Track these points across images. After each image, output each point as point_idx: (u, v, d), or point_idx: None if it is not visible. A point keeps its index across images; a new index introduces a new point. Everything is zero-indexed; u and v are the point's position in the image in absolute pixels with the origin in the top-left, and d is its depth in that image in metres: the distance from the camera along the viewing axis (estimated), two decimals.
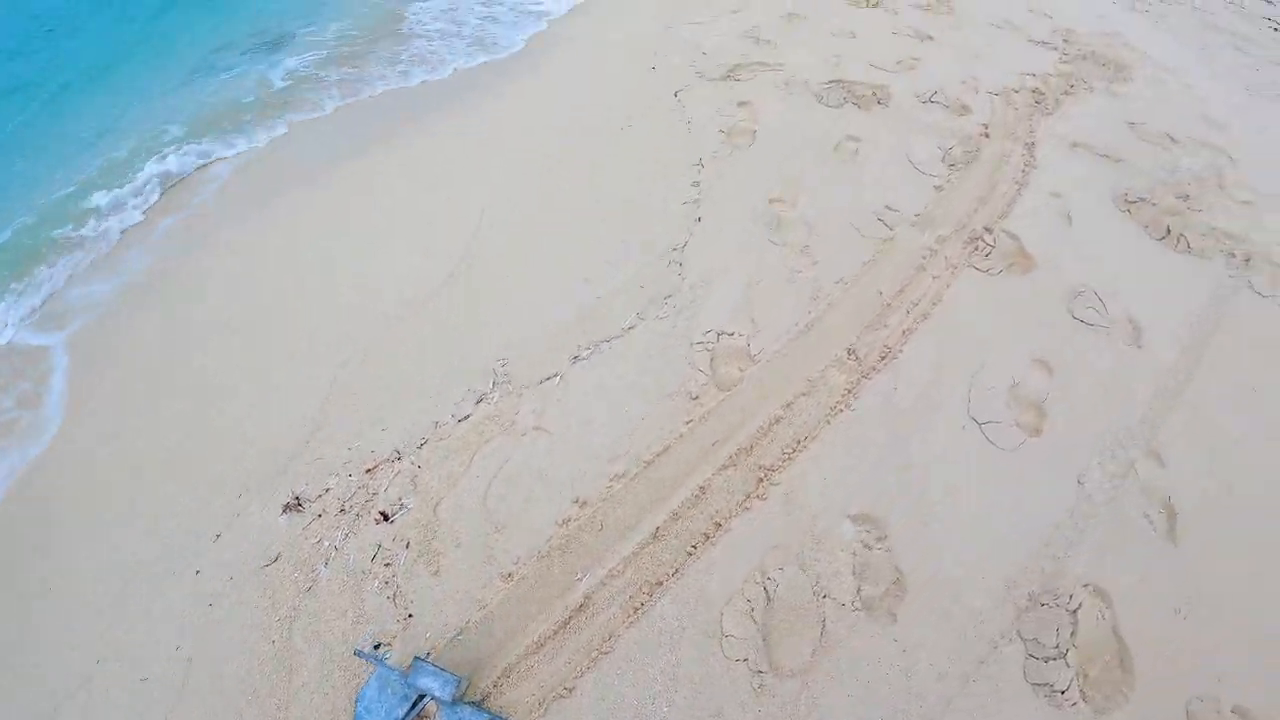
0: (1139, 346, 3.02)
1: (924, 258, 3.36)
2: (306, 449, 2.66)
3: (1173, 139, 4.33)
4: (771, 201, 3.73)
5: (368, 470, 2.56)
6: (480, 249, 3.48)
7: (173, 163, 4.17)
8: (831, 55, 4.97)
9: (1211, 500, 2.49)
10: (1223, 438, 2.70)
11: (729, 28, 5.63)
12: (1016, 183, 3.81)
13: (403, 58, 5.33)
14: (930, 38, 5.36)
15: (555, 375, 2.86)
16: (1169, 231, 3.56)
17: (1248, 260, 3.50)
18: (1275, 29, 7.16)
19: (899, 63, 4.87)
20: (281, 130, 4.52)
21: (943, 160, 3.92)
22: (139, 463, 2.70)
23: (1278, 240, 3.64)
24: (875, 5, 5.99)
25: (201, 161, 4.22)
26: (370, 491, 2.51)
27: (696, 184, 3.93)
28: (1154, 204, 3.69)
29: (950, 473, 2.53)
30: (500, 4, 6.30)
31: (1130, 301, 3.19)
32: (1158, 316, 3.15)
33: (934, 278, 3.27)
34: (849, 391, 2.78)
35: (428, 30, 5.78)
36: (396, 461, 2.59)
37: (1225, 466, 2.60)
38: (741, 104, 4.49)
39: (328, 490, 2.53)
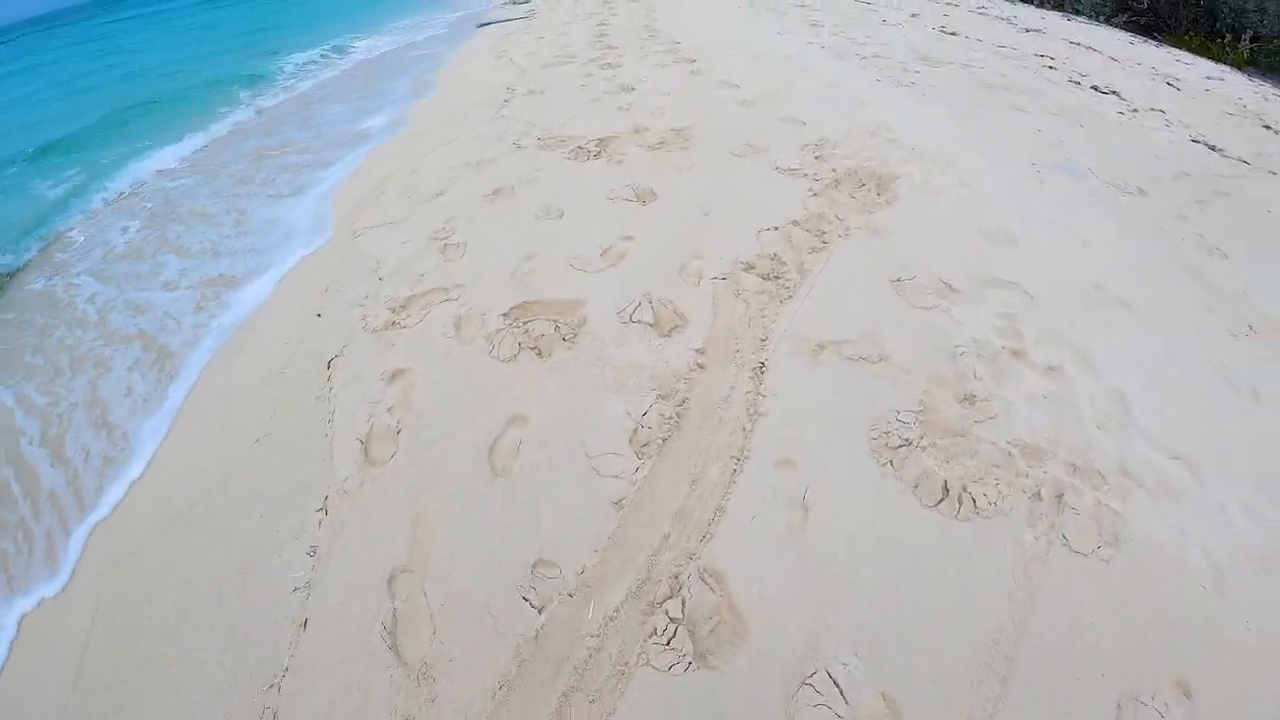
0: None
1: (583, 661, 2.05)
2: None
3: (951, 288, 3.27)
4: (393, 578, 2.40)
5: None
6: None
7: None
8: (525, 257, 3.82)
9: None
10: None
11: (420, 226, 4.48)
12: (733, 459, 2.61)
13: None
14: (653, 195, 4.31)
15: None
16: (946, 491, 2.38)
17: (1059, 497, 2.34)
18: (1050, 67, 6.53)
19: (605, 254, 3.75)
20: None
21: (632, 442, 2.70)
22: None
23: (1090, 443, 2.51)
24: (597, 155, 4.97)
25: None
26: None
27: (312, 551, 2.59)
28: (926, 443, 2.53)
29: None
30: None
31: (889, 668, 1.94)
32: (922, 690, 1.89)
33: (591, 701, 1.95)
34: None
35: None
36: None
37: None
38: (395, 375, 3.23)
39: None
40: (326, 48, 11.86)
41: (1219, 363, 3.02)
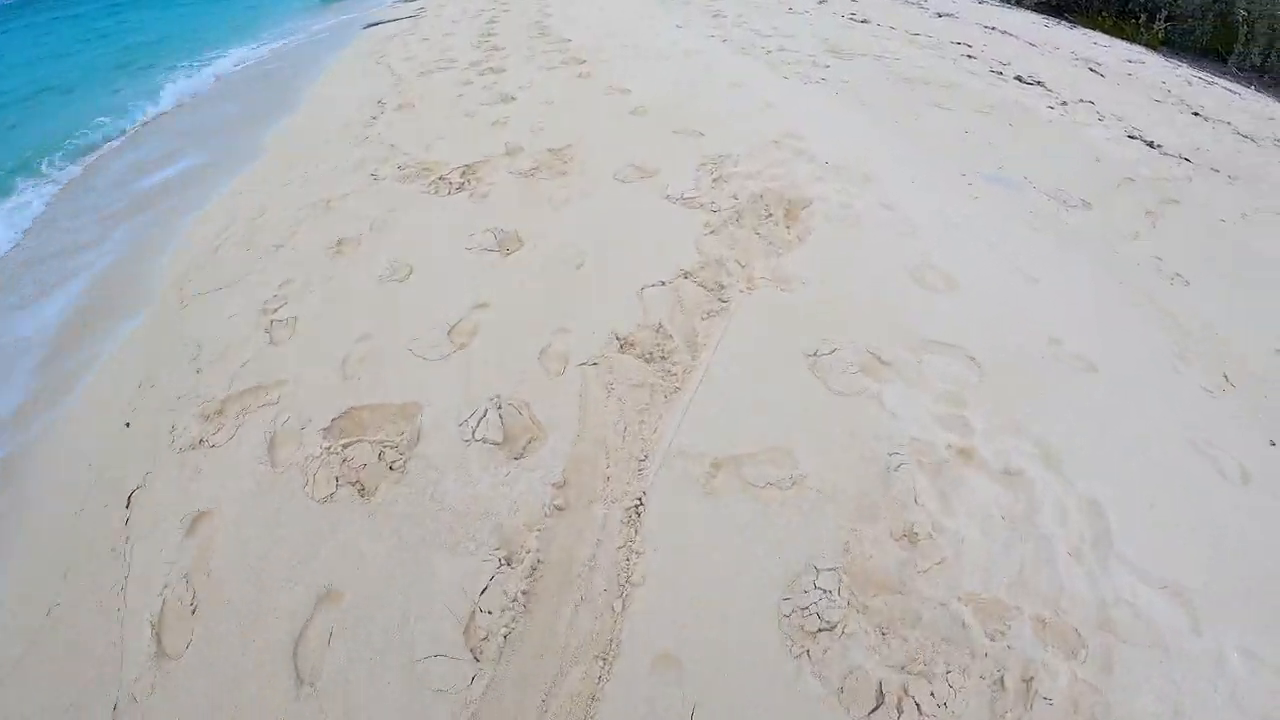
0: None
1: None
2: None
3: (880, 360, 2.58)
4: None
5: None
6: None
7: None
8: (361, 337, 2.93)
9: None
10: None
11: (252, 292, 3.50)
12: (599, 658, 1.82)
13: None
14: (519, 241, 3.45)
15: None
16: (881, 696, 1.69)
17: (1027, 682, 1.70)
18: (969, 55, 5.95)
19: (453, 331, 2.89)
20: None
21: (468, 634, 1.88)
22: None
23: (1061, 585, 1.85)
24: (460, 188, 4.06)
25: None
26: None
27: None
28: (855, 618, 1.81)
29: None
30: None
31: None
32: None
33: None
34: None
35: None
36: None
37: None
38: (196, 523, 2.33)
39: None
40: (200, 59, 10.36)
41: (1200, 437, 2.42)
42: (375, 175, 4.67)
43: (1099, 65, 6.59)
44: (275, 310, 3.33)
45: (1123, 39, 8.06)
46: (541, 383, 2.59)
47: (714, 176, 3.85)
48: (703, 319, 2.81)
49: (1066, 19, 9.02)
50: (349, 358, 2.89)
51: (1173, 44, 7.80)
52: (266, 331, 3.19)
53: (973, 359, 2.58)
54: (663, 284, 3.03)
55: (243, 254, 3.92)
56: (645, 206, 3.61)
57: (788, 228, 3.34)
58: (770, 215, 3.46)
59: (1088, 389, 2.54)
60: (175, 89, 8.61)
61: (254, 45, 11.58)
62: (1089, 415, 2.41)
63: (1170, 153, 4.36)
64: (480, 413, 2.50)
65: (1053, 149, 4.44)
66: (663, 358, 2.64)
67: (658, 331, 2.76)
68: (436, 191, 4.21)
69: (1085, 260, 3.35)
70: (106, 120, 7.65)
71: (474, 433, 2.44)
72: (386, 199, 4.26)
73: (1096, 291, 3.10)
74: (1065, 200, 3.82)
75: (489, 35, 8.29)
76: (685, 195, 3.66)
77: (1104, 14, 8.66)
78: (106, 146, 6.99)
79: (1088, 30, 8.44)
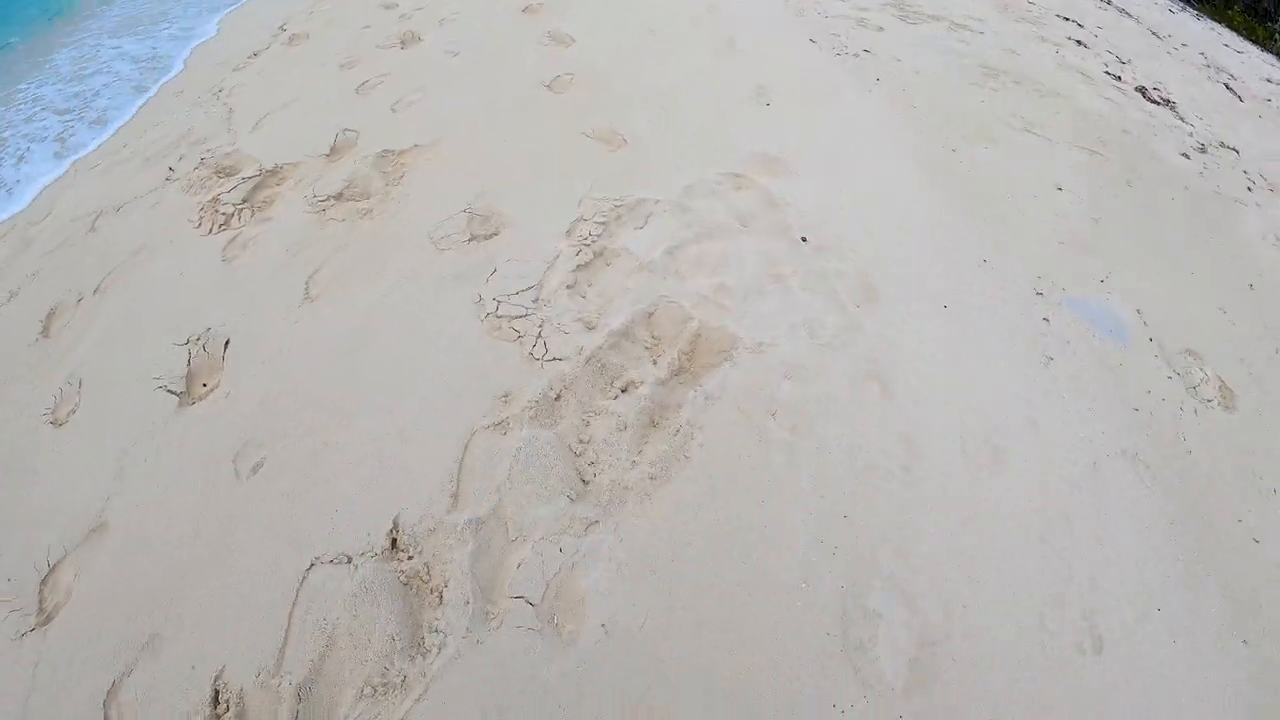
0: None
1: None
2: None
3: None
4: None
5: None
6: None
7: None
8: None
9: None
10: None
11: None
12: None
13: None
14: (208, 389, 1.95)
15: None
16: None
17: None
18: (1079, 42, 3.83)
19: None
20: None
21: None
22: None
23: None
24: (225, 224, 2.56)
25: None
26: None
27: None
28: None
29: None
30: None
31: None
32: None
33: None
34: None
35: None
36: None
37: None
38: None
39: None
40: None
41: None
42: (171, 173, 3.22)
43: (1235, 81, 4.10)
44: None
45: (1254, 43, 5.85)
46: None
47: (590, 252, 2.10)
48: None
49: (1192, 4, 6.72)
50: None
51: None
52: None
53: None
54: (343, 561, 1.46)
55: None
56: (452, 329, 1.96)
57: (682, 438, 1.62)
58: (668, 381, 1.73)
59: None
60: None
61: None
62: None
63: None
64: None
65: (1193, 256, 2.34)
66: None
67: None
68: (201, 220, 2.70)
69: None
70: None
71: None
72: (145, 227, 2.83)
73: None
74: (1224, 391, 1.83)
75: None
76: (515, 314, 1.96)
77: (1233, 7, 6.17)
78: None
79: (1215, 23, 6.13)
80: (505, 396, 1.75)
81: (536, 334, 1.89)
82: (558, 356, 1.81)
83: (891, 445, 1.65)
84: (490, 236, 2.27)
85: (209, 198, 2.82)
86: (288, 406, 1.86)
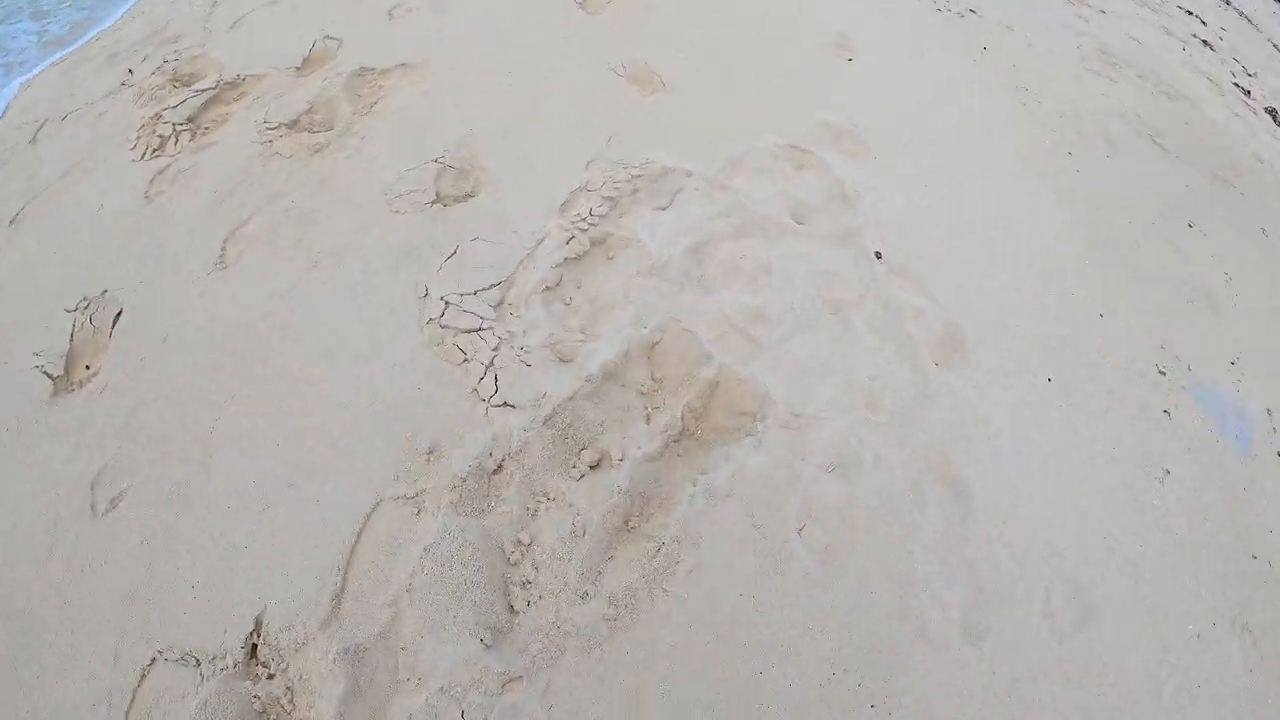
0: None
1: None
2: None
3: None
4: None
5: None
6: None
7: None
8: None
9: None
10: None
11: None
12: None
13: None
14: (84, 374, 1.51)
15: None
16: None
17: None
18: (1203, 41, 2.57)
19: None
20: None
21: None
22: None
23: None
24: (161, 148, 2.11)
25: None
26: None
27: None
28: None
29: None
30: None
31: None
32: None
33: None
34: None
35: None
36: None
37: None
38: None
39: None
40: None
41: None
42: (131, 75, 2.73)
43: None
44: None
45: None
46: None
47: (588, 239, 1.54)
48: None
49: None
50: None
51: None
52: None
53: None
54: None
55: None
56: (359, 329, 1.46)
57: (630, 527, 1.10)
58: (609, 464, 1.19)
59: None
60: None
61: None
62: None
63: None
64: None
65: None
66: None
67: None
68: (134, 145, 2.20)
69: None
70: None
71: None
72: (83, 145, 2.37)
73: None
74: None
75: None
76: (466, 305, 1.42)
77: None
78: None
79: None
80: (429, 454, 1.23)
81: (489, 360, 1.34)
82: (510, 403, 1.27)
83: (957, 593, 1.08)
84: (462, 200, 1.69)
85: (152, 113, 2.30)
86: (162, 419, 1.40)
